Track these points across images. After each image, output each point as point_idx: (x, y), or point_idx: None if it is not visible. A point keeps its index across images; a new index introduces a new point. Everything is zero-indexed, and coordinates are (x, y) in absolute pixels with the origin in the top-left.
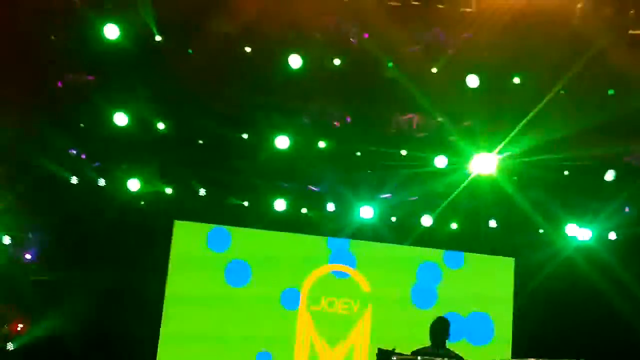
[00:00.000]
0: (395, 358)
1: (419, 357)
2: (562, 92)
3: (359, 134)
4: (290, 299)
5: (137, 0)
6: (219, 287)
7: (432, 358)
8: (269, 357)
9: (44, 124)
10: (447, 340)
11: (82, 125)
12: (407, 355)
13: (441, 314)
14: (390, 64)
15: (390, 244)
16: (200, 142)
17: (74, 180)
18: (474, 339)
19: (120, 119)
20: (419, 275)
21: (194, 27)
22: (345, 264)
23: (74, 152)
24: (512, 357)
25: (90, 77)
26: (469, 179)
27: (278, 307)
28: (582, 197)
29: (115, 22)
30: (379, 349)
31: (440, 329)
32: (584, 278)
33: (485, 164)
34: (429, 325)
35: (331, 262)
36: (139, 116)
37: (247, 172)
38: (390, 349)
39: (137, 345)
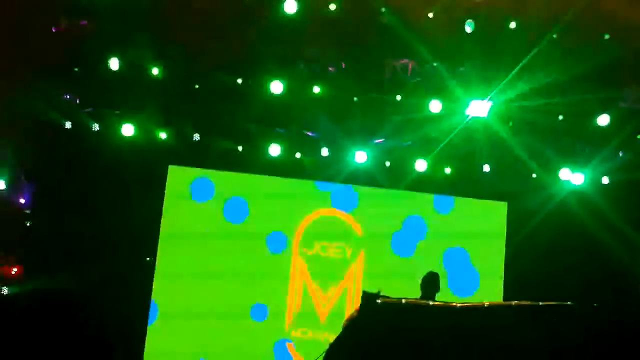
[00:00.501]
0: (380, 301)
1: (403, 300)
2: (554, 36)
3: (353, 80)
4: (277, 243)
5: None
6: (216, 224)
7: (417, 300)
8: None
9: (37, 70)
10: (437, 294)
11: (76, 69)
12: (392, 298)
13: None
14: (384, 10)
15: (384, 189)
16: (196, 86)
17: (68, 125)
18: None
19: (114, 63)
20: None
21: None
22: (340, 209)
23: (68, 97)
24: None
25: (84, 22)
26: (463, 124)
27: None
28: (576, 141)
29: None
30: (364, 292)
31: (430, 281)
32: (576, 222)
33: (479, 109)
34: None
35: (325, 207)
36: (133, 61)
37: (241, 117)
38: (375, 292)
39: (133, 287)
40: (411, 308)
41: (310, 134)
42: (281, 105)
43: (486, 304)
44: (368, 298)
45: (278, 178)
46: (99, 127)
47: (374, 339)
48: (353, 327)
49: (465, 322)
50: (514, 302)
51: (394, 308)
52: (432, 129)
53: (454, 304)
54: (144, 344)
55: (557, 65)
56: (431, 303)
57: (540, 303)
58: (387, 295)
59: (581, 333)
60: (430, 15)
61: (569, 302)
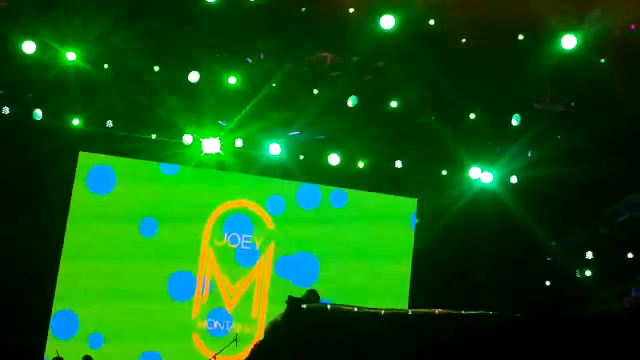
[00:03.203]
0: (305, 306)
1: (328, 306)
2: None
3: (271, 71)
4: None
5: None
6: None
7: (342, 306)
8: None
9: None
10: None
11: None
12: (317, 304)
13: None
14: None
15: (298, 182)
16: (105, 66)
17: None
18: None
19: (29, 47)
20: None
21: None
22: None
23: None
24: (409, 304)
25: (3, 3)
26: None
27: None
28: (488, 140)
29: None
30: (289, 297)
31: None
32: (485, 221)
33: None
34: None
35: (236, 198)
36: (49, 45)
37: (156, 106)
38: (300, 296)
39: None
40: (337, 314)
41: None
42: (198, 95)
43: (410, 311)
44: (293, 303)
45: (191, 168)
46: (9, 110)
47: (298, 345)
48: (277, 332)
49: (388, 328)
50: (437, 310)
51: (320, 313)
52: (345, 123)
53: (379, 310)
54: None
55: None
56: (356, 309)
57: (463, 312)
58: (314, 299)
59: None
60: (351, 10)
61: (489, 312)
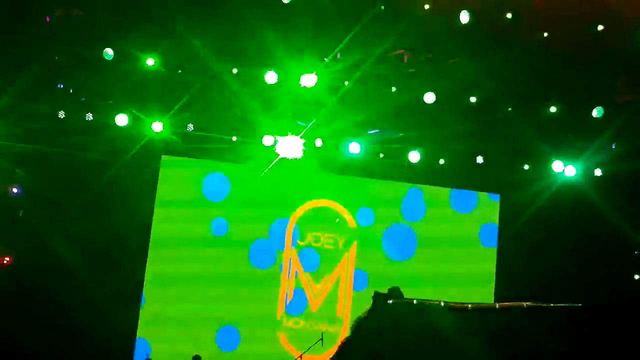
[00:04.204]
0: (391, 301)
1: (414, 301)
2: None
3: (348, 70)
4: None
5: None
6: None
7: (428, 301)
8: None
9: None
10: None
11: (56, 58)
12: (403, 298)
13: None
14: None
15: (378, 180)
16: (180, 71)
17: (61, 114)
18: None
19: (108, 53)
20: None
21: None
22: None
23: (61, 86)
24: (494, 295)
25: (80, 13)
26: None
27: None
28: (569, 133)
29: None
30: (375, 292)
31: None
32: (570, 214)
33: None
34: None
35: (318, 198)
36: (127, 50)
37: (234, 108)
38: (386, 292)
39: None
40: (423, 309)
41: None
42: (276, 96)
43: (497, 305)
44: (379, 298)
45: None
46: (92, 116)
47: (385, 340)
48: (363, 327)
49: (477, 324)
50: (525, 304)
51: (406, 309)
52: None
53: (467, 304)
54: None
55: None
56: (442, 304)
57: (552, 305)
58: (398, 295)
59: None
60: (427, 6)
61: (580, 304)
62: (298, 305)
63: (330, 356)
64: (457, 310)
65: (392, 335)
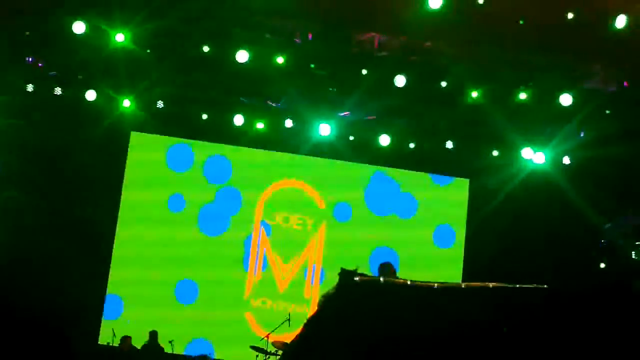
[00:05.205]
0: (358, 279)
1: (381, 279)
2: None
3: (319, 51)
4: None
5: None
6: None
7: (395, 279)
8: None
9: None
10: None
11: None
12: (370, 276)
13: None
14: None
15: (347, 162)
16: (148, 51)
17: (30, 88)
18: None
19: (79, 27)
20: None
21: None
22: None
23: (30, 60)
24: (462, 278)
25: None
26: None
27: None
28: (538, 121)
29: None
30: (342, 269)
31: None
32: (538, 201)
33: None
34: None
35: (287, 178)
36: (98, 26)
37: (207, 86)
38: (352, 269)
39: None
40: (389, 287)
41: (274, 105)
42: (246, 75)
43: (463, 285)
44: (346, 275)
45: (241, 148)
46: (61, 91)
47: (351, 318)
48: (330, 304)
49: (443, 302)
50: (491, 284)
51: (373, 286)
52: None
53: (433, 283)
54: None
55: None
56: (409, 282)
57: (517, 286)
58: (364, 273)
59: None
60: None
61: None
62: (265, 285)
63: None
64: (424, 290)
65: (357, 312)
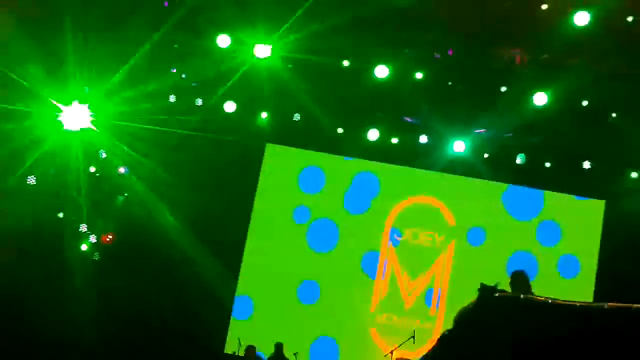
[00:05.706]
0: (498, 294)
1: (521, 296)
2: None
3: (459, 67)
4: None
5: None
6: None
7: (535, 297)
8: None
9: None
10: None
11: (175, 46)
12: (509, 292)
13: None
14: None
15: (481, 179)
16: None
17: (172, 99)
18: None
19: (224, 40)
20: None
21: None
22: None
23: (174, 70)
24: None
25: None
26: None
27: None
28: None
29: None
30: (482, 284)
31: (521, 279)
32: None
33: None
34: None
35: (419, 194)
36: (242, 39)
37: (344, 100)
38: (492, 284)
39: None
40: (529, 304)
41: (409, 120)
42: (383, 90)
43: (606, 305)
44: (486, 291)
45: (375, 163)
46: (201, 102)
47: (489, 334)
48: (468, 320)
49: (585, 322)
50: (634, 305)
51: (512, 303)
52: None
53: (575, 302)
54: None
55: None
56: (550, 300)
57: None
58: (504, 289)
59: None
60: (544, 6)
61: None
62: (391, 300)
63: (425, 352)
64: (565, 308)
65: (496, 328)
